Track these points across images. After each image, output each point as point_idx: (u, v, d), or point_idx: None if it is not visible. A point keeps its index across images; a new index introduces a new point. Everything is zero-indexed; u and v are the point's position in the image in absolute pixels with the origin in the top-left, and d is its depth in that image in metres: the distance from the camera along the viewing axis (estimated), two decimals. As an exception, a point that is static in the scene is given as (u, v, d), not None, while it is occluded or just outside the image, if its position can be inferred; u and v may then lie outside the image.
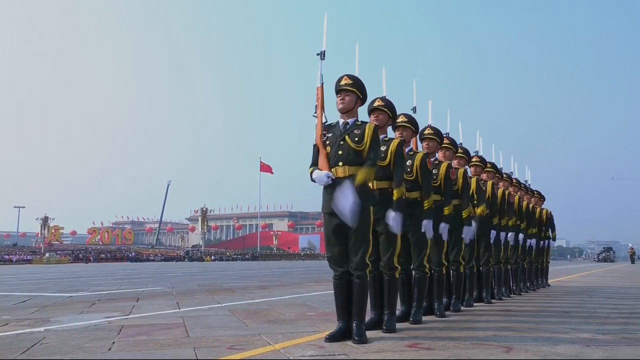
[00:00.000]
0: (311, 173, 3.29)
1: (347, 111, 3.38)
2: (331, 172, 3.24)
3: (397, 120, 4.20)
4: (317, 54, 3.46)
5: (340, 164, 3.27)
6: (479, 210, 5.49)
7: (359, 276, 3.24)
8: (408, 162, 4.14)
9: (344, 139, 3.33)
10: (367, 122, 3.43)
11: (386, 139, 3.89)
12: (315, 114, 3.39)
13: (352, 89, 3.37)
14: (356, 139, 3.32)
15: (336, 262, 3.30)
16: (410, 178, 4.14)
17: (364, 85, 3.44)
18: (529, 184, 8.89)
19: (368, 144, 3.30)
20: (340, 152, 3.31)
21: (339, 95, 3.39)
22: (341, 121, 3.43)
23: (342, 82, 3.39)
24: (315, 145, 3.39)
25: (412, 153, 4.29)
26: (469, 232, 5.18)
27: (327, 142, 3.38)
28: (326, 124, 3.44)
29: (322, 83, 3.40)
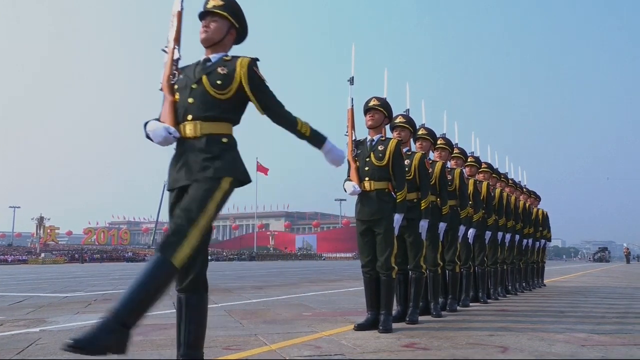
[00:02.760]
0: (145, 125, 2.35)
1: (213, 44, 2.45)
2: (177, 128, 2.30)
3: (395, 121, 4.21)
4: None
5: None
6: (475, 217, 5.52)
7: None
8: (406, 162, 4.15)
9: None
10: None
11: (383, 138, 3.90)
12: (166, 48, 2.46)
13: (221, 11, 2.43)
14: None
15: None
16: (408, 178, 4.15)
17: (241, 12, 2.51)
18: (525, 185, 8.92)
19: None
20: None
21: (203, 21, 2.46)
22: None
23: (210, 5, 2.47)
24: (163, 95, 2.43)
25: (409, 153, 4.31)
26: (472, 233, 5.31)
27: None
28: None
29: (182, 9, 2.49)
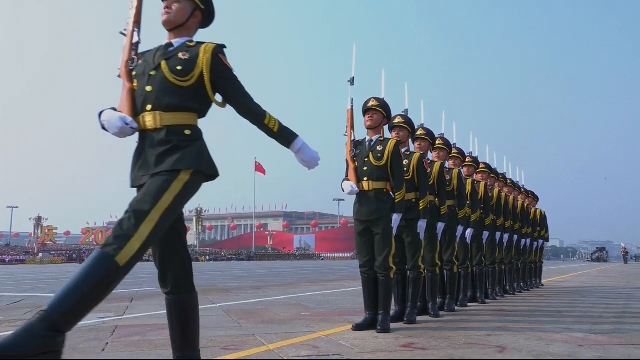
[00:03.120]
0: (100, 115, 2.12)
1: (176, 27, 2.24)
2: (136, 120, 2.10)
3: (394, 121, 4.22)
4: None
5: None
6: (473, 217, 5.53)
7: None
8: (405, 162, 4.16)
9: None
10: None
11: (382, 139, 3.90)
12: (125, 31, 2.27)
13: None
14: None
15: None
16: (406, 178, 4.15)
17: None
18: (523, 185, 8.93)
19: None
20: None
21: (165, 1, 2.25)
22: None
23: None
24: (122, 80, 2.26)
25: (408, 153, 4.31)
26: (469, 233, 5.33)
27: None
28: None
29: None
